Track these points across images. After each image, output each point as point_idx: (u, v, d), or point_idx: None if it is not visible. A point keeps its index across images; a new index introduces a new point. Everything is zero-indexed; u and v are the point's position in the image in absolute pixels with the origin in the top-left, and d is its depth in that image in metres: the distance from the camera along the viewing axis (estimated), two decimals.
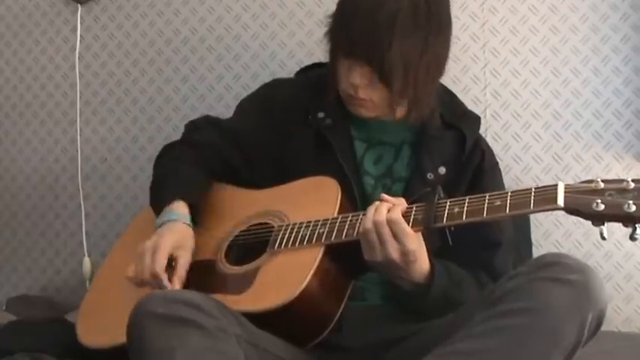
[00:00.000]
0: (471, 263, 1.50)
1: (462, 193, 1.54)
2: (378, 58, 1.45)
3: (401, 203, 1.38)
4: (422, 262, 1.38)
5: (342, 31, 1.50)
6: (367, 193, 1.58)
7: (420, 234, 1.36)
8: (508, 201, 1.29)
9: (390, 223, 1.34)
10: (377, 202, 1.38)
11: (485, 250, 1.53)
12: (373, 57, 1.46)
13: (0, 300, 2.22)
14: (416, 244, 1.35)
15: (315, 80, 1.69)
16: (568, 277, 1.22)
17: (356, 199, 1.54)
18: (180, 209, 1.56)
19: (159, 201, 1.60)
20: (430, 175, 1.55)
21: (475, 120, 1.67)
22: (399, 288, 1.42)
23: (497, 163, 1.68)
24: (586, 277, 1.22)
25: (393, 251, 1.34)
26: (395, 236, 1.34)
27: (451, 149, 1.59)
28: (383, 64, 1.45)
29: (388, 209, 1.36)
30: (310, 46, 2.11)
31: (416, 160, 1.58)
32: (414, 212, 1.36)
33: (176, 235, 1.51)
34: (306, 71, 1.78)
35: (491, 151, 1.68)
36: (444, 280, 1.42)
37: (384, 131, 1.61)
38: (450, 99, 1.68)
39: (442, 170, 1.56)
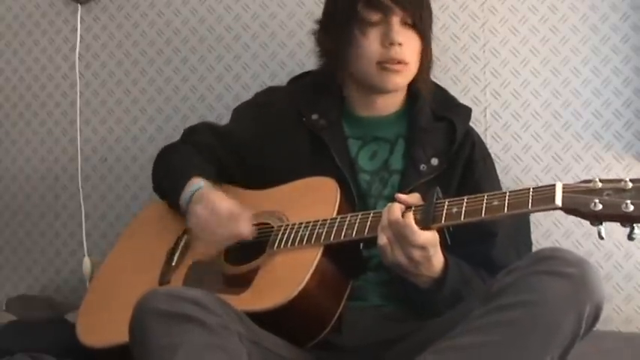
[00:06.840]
0: (470, 257, 1.50)
1: (455, 185, 1.58)
2: (419, 7, 1.59)
3: (417, 201, 1.39)
4: (439, 255, 1.38)
5: None
6: (363, 189, 1.60)
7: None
8: (506, 201, 1.30)
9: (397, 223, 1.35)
10: (390, 204, 1.39)
11: (482, 242, 1.53)
12: (416, 6, 1.58)
13: (0, 300, 2.22)
14: (429, 236, 1.35)
15: (307, 85, 1.73)
16: (565, 270, 1.23)
17: (354, 197, 1.55)
18: (201, 182, 1.60)
19: (177, 189, 1.62)
20: (423, 167, 1.58)
21: (466, 111, 1.70)
22: (410, 285, 1.42)
23: (489, 154, 1.69)
24: (583, 270, 1.23)
25: (413, 249, 1.34)
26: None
27: (442, 140, 1.61)
28: (422, 13, 1.60)
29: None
30: (310, 46, 2.08)
31: (409, 153, 1.60)
32: (412, 212, 1.37)
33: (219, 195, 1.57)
34: (297, 79, 1.81)
35: (483, 143, 1.70)
36: (456, 276, 1.43)
37: (378, 127, 1.65)
38: (441, 94, 1.72)
39: (435, 161, 1.59)
